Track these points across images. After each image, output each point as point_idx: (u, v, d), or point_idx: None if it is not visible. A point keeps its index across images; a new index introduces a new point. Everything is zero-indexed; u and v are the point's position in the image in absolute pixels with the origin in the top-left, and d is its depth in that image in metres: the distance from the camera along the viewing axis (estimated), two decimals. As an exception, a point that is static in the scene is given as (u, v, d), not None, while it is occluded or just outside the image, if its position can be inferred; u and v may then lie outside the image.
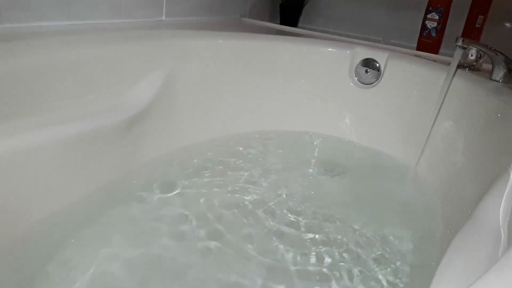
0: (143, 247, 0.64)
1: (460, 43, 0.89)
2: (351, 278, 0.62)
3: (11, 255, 0.58)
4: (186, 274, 0.60)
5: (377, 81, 1.10)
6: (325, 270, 0.64)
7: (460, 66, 0.99)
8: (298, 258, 0.66)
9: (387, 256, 0.68)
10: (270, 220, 0.75)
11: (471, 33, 1.26)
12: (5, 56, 0.64)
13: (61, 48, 0.74)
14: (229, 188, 0.83)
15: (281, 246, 0.68)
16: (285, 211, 0.79)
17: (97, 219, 0.68)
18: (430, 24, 1.30)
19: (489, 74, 0.96)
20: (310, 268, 0.64)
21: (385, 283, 0.62)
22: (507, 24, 1.33)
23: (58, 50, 0.73)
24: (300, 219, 0.76)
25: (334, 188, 0.91)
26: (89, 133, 0.73)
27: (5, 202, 0.58)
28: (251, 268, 0.63)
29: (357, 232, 0.74)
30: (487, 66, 1.02)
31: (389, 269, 0.65)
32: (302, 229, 0.74)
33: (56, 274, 0.57)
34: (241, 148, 1.01)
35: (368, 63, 1.11)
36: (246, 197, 0.81)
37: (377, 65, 1.10)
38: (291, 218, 0.76)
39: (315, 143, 1.11)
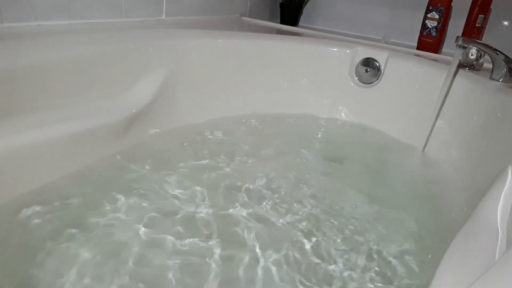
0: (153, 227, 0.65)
1: (460, 42, 0.89)
2: (347, 263, 0.62)
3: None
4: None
5: (377, 81, 1.10)
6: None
7: (460, 65, 0.99)
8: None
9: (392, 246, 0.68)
10: (266, 201, 0.76)
11: (471, 33, 1.26)
12: (5, 55, 0.64)
13: (61, 48, 0.74)
14: (232, 176, 0.85)
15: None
16: (283, 192, 0.80)
17: (102, 207, 0.69)
18: (430, 24, 1.30)
19: (489, 74, 0.96)
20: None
21: (388, 273, 0.61)
22: (507, 24, 1.33)
23: (59, 49, 0.73)
24: (301, 202, 0.77)
25: (339, 175, 0.91)
26: (90, 132, 0.74)
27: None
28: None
29: (362, 217, 0.74)
30: (487, 65, 1.02)
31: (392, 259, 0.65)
32: (301, 215, 0.74)
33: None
34: (236, 146, 1.00)
35: (368, 63, 1.11)
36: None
37: (377, 64, 1.09)
38: (289, 200, 0.77)
39: (315, 137, 1.11)
